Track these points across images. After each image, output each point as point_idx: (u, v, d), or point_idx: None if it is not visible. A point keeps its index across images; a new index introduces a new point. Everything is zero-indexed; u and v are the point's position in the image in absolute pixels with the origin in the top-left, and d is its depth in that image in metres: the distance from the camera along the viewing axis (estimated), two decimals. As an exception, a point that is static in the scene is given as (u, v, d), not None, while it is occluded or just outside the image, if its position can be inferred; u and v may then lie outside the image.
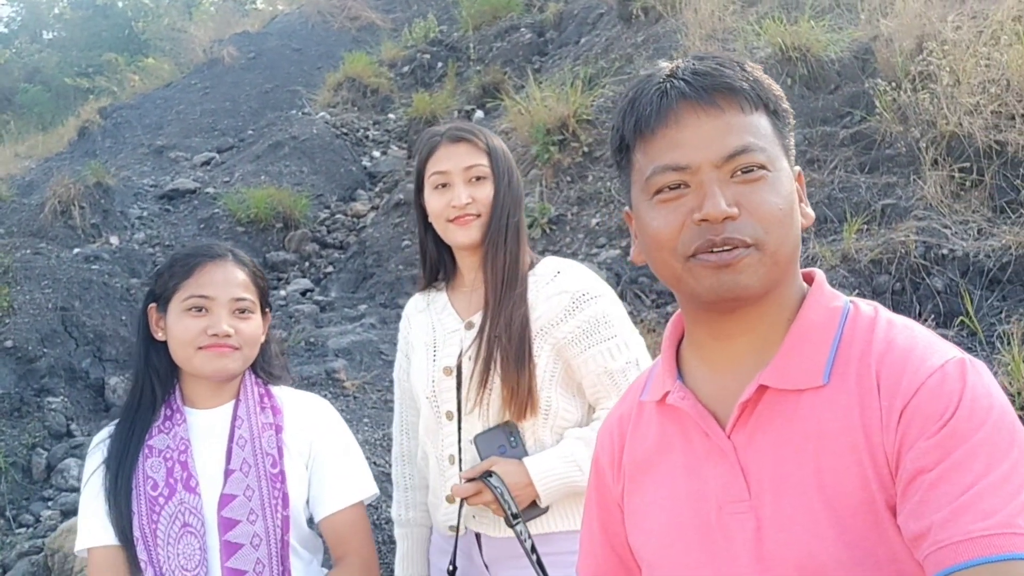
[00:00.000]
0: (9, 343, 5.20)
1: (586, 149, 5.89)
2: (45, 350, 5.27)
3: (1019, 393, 2.90)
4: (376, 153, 9.00)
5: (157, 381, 1.49)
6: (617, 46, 7.40)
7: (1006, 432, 0.76)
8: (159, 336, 1.50)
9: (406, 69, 10.63)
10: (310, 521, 1.55)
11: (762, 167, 0.87)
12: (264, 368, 1.57)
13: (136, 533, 1.39)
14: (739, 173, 0.87)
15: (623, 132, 0.94)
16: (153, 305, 1.51)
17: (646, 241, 0.93)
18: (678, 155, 0.87)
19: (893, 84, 4.56)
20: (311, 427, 1.54)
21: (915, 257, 3.72)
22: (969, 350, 3.25)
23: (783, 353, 0.89)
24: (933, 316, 3.57)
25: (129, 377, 4.24)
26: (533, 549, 1.51)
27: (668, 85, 0.90)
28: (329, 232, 7.38)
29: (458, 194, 1.63)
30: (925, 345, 0.84)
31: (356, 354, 4.20)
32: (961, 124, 4.10)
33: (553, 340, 1.61)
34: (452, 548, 1.65)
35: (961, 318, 3.45)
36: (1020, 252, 3.56)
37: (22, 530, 4.31)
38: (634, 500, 0.98)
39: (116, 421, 1.51)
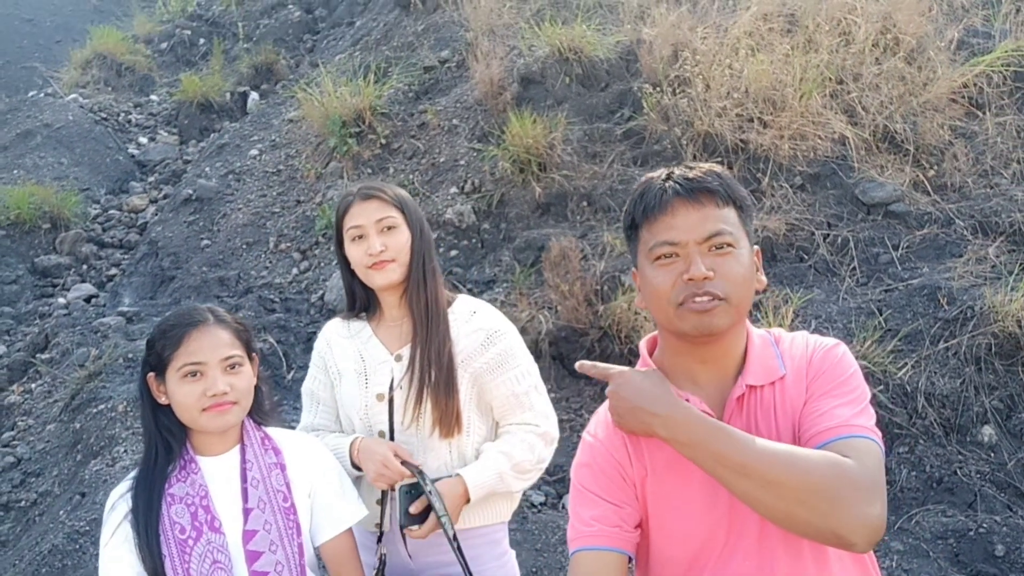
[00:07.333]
0: None
1: (384, 141, 6.01)
2: None
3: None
4: (143, 139, 8.41)
5: (170, 437, 1.63)
6: (397, 34, 7.53)
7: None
8: (162, 401, 1.64)
9: (164, 46, 9.94)
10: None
11: (729, 245, 1.27)
12: (259, 410, 1.74)
13: (169, 574, 1.54)
14: (714, 248, 1.26)
15: (634, 215, 1.32)
16: (152, 374, 1.64)
17: (648, 292, 1.31)
18: (673, 234, 1.27)
19: (656, 87, 5.24)
20: (309, 464, 1.73)
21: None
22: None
23: (750, 363, 1.32)
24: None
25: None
26: (454, 538, 1.80)
27: (668, 185, 1.30)
28: (105, 231, 6.85)
29: (372, 243, 1.85)
30: (816, 337, 1.38)
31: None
32: (713, 125, 4.87)
33: (472, 370, 1.89)
34: (376, 544, 1.89)
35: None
36: (754, 240, 4.39)
37: None
38: (662, 485, 1.30)
39: (132, 476, 1.64)
